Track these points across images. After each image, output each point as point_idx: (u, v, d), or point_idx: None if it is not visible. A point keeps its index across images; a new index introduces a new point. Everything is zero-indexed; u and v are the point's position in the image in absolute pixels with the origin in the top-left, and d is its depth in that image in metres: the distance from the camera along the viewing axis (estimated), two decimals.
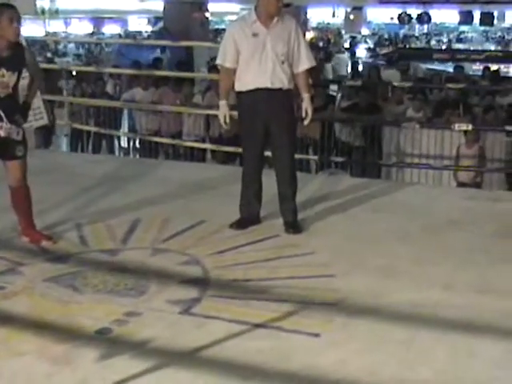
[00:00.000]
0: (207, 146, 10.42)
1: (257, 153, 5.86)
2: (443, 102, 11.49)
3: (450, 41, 29.85)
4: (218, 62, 5.93)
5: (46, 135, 11.83)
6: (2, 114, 5.27)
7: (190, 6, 22.94)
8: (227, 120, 5.80)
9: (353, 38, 30.27)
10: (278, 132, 5.76)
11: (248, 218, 5.94)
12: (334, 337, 4.07)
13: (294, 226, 5.83)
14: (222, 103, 5.82)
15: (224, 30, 32.49)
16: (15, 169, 5.43)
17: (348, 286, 4.72)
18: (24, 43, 8.25)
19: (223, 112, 5.80)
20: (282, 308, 4.36)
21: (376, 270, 5.03)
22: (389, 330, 4.15)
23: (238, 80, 5.76)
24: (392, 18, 32.42)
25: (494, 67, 18.43)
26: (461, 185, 8.80)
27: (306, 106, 5.82)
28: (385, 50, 24.21)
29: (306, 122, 5.89)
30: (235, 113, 5.93)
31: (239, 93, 5.81)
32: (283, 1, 5.70)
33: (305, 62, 5.80)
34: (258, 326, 4.15)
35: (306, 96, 5.83)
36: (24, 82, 5.52)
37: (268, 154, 6.01)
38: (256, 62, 5.67)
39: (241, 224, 5.89)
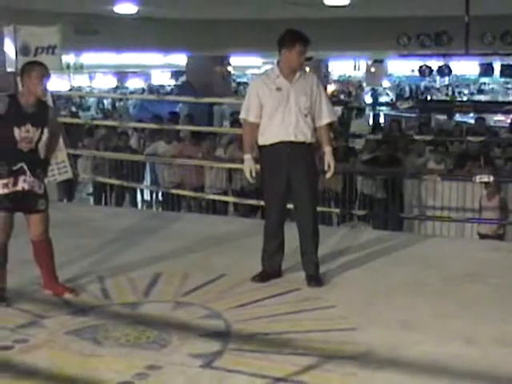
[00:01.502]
0: (229, 198, 10.48)
1: (279, 206, 5.87)
2: (464, 153, 11.50)
3: (471, 93, 29.94)
4: (241, 116, 5.96)
5: (69, 188, 11.98)
6: (26, 168, 5.34)
7: (212, 60, 23.22)
8: (253, 174, 5.83)
9: (374, 90, 30.43)
10: (300, 185, 5.78)
11: (270, 272, 5.95)
12: None
13: (316, 280, 5.83)
14: (247, 157, 5.84)
15: (246, 83, 32.82)
16: (37, 222, 5.49)
17: (368, 340, 4.70)
18: (50, 98, 8.45)
19: (249, 166, 5.83)
20: (303, 362, 4.35)
21: (396, 323, 5.00)
22: None
23: (262, 134, 5.81)
24: (413, 71, 32.59)
25: None
26: (483, 237, 8.77)
27: (329, 159, 5.85)
28: (405, 105, 24.26)
29: (328, 175, 5.91)
30: (258, 166, 5.97)
31: (262, 146, 5.85)
32: (305, 56, 5.79)
33: (326, 116, 5.87)
34: (279, 379, 4.13)
35: (328, 149, 5.87)
36: (44, 138, 5.59)
37: (290, 206, 6.03)
38: (280, 115, 5.73)
39: (263, 277, 5.90)
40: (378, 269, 6.30)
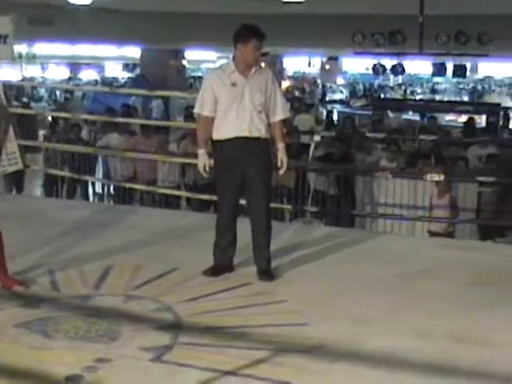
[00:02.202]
0: (182, 193, 10.45)
1: (232, 201, 5.88)
2: (416, 152, 11.62)
3: (424, 92, 30.25)
4: (195, 110, 5.94)
5: (19, 180, 11.83)
6: None
7: (166, 54, 23.12)
8: (207, 168, 5.82)
9: (323, 86, 30.60)
10: (254, 181, 5.79)
11: (222, 266, 5.94)
12: None
13: (267, 274, 5.84)
14: (202, 152, 5.83)
15: (200, 77, 32.72)
16: None
17: (320, 334, 4.72)
18: (0, 86, 8.34)
19: (203, 161, 5.81)
20: (254, 355, 4.35)
21: (349, 318, 5.03)
22: (362, 378, 4.16)
23: (217, 129, 5.79)
24: (367, 69, 32.82)
25: (464, 118, 18.70)
26: (433, 235, 8.86)
27: (282, 155, 5.86)
28: (359, 103, 24.42)
29: (281, 172, 5.93)
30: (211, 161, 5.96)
31: (217, 141, 5.84)
32: (260, 52, 5.76)
33: (280, 112, 5.88)
34: (229, 373, 4.14)
35: (281, 146, 5.89)
36: None
37: (243, 202, 6.04)
38: (234, 111, 5.72)
39: (214, 271, 5.89)
40: (330, 264, 6.34)
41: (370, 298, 5.45)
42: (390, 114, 20.70)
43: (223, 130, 5.77)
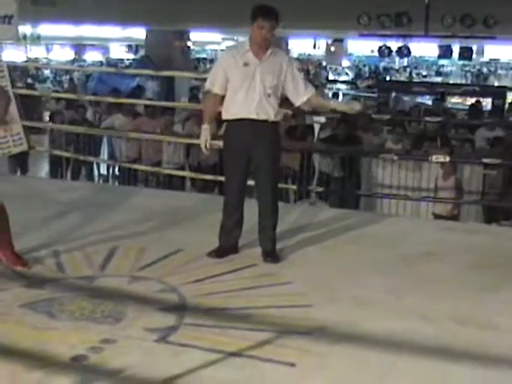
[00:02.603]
0: (186, 173, 10.44)
1: (239, 182, 5.85)
2: (422, 134, 11.60)
3: (429, 75, 30.15)
4: (206, 87, 5.89)
5: (23, 161, 11.83)
6: None
7: (171, 35, 23.05)
8: (207, 145, 5.77)
9: (326, 68, 30.53)
10: (261, 163, 5.77)
11: (226, 247, 5.94)
12: (310, 366, 4.07)
13: (272, 256, 5.85)
14: (205, 127, 5.80)
15: (205, 59, 32.64)
16: None
17: (324, 316, 4.73)
18: (5, 67, 8.33)
19: (205, 136, 5.77)
20: (259, 337, 4.36)
21: (352, 300, 5.04)
22: (365, 359, 4.17)
23: (226, 109, 5.78)
24: (372, 51, 32.69)
25: (472, 101, 18.64)
26: (438, 217, 8.86)
27: (336, 104, 6.35)
28: (365, 83, 24.38)
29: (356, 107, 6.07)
30: (215, 142, 5.95)
31: (226, 121, 5.83)
32: (273, 34, 5.66)
33: (304, 92, 5.83)
34: (233, 354, 4.15)
35: (330, 102, 6.42)
36: None
37: (250, 183, 6.02)
38: (243, 91, 5.67)
39: (219, 253, 5.89)
40: (334, 246, 6.34)
41: (374, 281, 5.46)
42: (405, 98, 20.64)
43: (231, 111, 5.74)
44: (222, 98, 5.78)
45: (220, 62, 5.84)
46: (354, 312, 4.85)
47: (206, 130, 5.78)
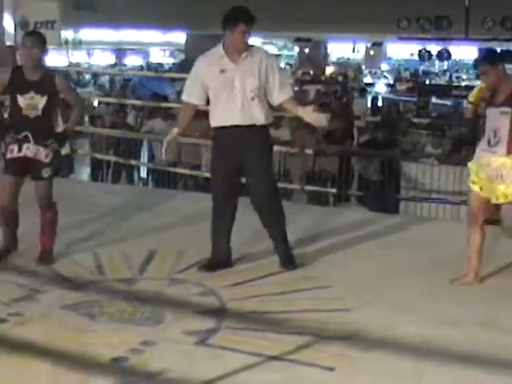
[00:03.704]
0: None
1: (223, 190, 5.64)
2: (461, 138, 11.50)
3: (469, 78, 29.93)
4: (183, 98, 5.72)
5: (67, 164, 11.94)
6: (30, 136, 5.52)
7: (211, 39, 23.10)
8: (166, 145, 5.65)
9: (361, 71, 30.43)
10: (251, 171, 5.56)
11: (218, 261, 5.74)
12: (348, 371, 4.07)
13: (289, 263, 5.72)
14: (174, 130, 5.68)
15: None
16: (39, 190, 5.67)
17: (362, 320, 4.72)
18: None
19: (169, 137, 5.66)
20: (297, 341, 4.37)
21: (389, 304, 5.03)
22: (401, 365, 4.15)
23: (210, 116, 5.59)
24: (412, 54, 32.50)
25: None
26: None
27: (303, 112, 5.61)
28: (404, 86, 24.25)
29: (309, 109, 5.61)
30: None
31: (214, 128, 5.62)
32: (250, 36, 5.45)
33: (279, 95, 5.54)
34: (272, 358, 4.16)
35: (299, 109, 5.62)
36: (52, 106, 5.69)
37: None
38: (224, 99, 5.45)
39: (210, 266, 5.69)
40: (372, 250, 6.31)
41: (411, 285, 5.42)
42: (445, 102, 20.51)
43: (216, 118, 5.55)
44: (197, 107, 5.69)
45: (195, 72, 5.60)
46: (391, 317, 4.82)
47: (173, 132, 5.66)
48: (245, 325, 4.63)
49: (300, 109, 5.62)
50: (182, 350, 4.28)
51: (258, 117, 5.48)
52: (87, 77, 26.43)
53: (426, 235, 6.91)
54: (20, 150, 5.58)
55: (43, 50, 5.59)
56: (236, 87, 5.41)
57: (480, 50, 22.83)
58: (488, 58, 5.42)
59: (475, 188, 5.37)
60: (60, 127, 5.77)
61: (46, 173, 5.61)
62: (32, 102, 5.51)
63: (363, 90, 21.55)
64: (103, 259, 5.86)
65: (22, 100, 5.52)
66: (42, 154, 5.56)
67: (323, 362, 4.12)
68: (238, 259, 5.87)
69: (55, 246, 5.86)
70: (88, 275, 5.52)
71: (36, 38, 5.66)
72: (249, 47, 5.48)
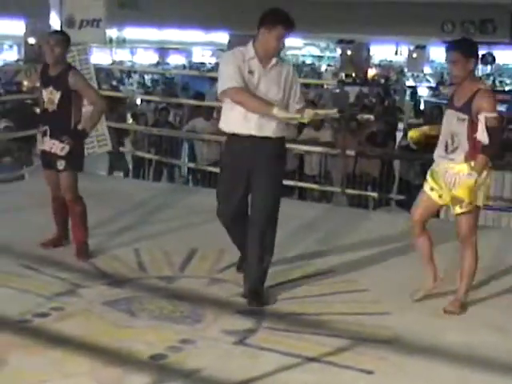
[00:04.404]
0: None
1: (231, 203, 5.15)
2: (505, 143, 11.37)
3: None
4: (228, 86, 4.88)
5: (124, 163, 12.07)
6: (48, 130, 5.73)
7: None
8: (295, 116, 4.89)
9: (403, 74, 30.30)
10: (255, 187, 5.05)
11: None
12: (387, 375, 4.06)
13: (254, 295, 5.06)
14: (275, 110, 4.76)
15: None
16: (61, 182, 5.80)
17: (401, 325, 4.71)
18: (92, 70, 8.53)
19: (286, 114, 4.83)
20: (336, 343, 4.37)
21: (429, 309, 5.00)
22: (440, 371, 4.13)
23: (225, 120, 5.06)
24: None
25: None
26: None
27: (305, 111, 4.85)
28: (447, 90, 24.06)
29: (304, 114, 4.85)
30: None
31: (226, 133, 5.11)
32: (284, 43, 5.01)
33: (294, 105, 5.05)
34: (311, 359, 4.16)
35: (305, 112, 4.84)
36: (88, 109, 5.83)
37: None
38: None
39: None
40: (412, 255, 6.23)
41: (451, 291, 5.37)
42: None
43: (231, 124, 5.02)
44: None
45: (232, 60, 4.95)
46: (430, 322, 4.81)
47: (278, 112, 4.77)
48: (283, 326, 4.63)
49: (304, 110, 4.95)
50: (220, 349, 4.29)
51: (276, 129, 4.97)
52: (136, 76, 26.66)
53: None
54: (42, 143, 5.83)
55: (65, 48, 5.81)
56: (260, 92, 4.92)
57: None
58: (462, 46, 4.82)
59: (434, 195, 5.04)
60: (81, 124, 5.84)
61: (60, 165, 5.73)
62: (51, 97, 5.73)
63: (414, 94, 21.45)
64: (144, 256, 5.90)
65: (44, 94, 5.79)
66: (58, 148, 5.70)
67: (362, 365, 4.11)
68: (277, 261, 5.87)
69: (95, 241, 5.93)
70: (129, 271, 5.56)
71: (59, 36, 5.87)
72: (279, 55, 5.09)
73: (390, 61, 33.35)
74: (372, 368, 4.09)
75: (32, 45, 18.93)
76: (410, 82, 29.60)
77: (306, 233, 6.66)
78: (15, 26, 21.78)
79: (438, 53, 30.18)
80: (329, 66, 33.96)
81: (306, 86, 18.77)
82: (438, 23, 20.53)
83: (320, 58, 36.59)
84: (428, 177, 5.11)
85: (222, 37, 26.16)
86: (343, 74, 27.21)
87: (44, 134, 5.76)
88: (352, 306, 5.00)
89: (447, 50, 4.84)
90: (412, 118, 13.35)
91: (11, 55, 27.73)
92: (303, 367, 4.10)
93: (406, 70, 30.84)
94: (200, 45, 31.73)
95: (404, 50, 30.73)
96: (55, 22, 8.99)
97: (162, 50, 31.39)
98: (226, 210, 5.19)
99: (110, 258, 5.80)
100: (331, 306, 4.98)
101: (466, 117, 4.73)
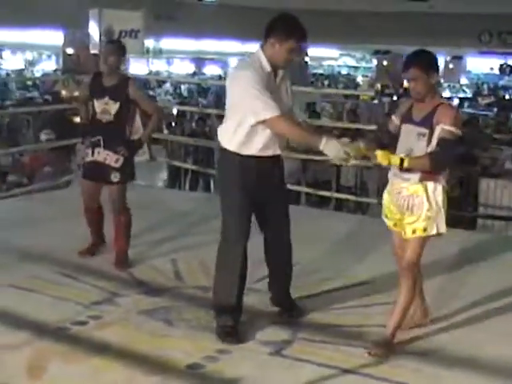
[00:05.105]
0: (302, 188, 10.47)
1: (247, 233, 4.73)
2: None
3: None
4: (270, 115, 4.36)
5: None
6: (102, 141, 5.72)
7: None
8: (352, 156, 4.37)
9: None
10: (273, 210, 4.81)
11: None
12: None
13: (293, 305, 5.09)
14: (324, 141, 4.29)
15: (322, 74, 32.69)
16: (110, 193, 5.85)
17: (438, 337, 4.68)
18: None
19: (337, 144, 4.31)
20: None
21: (468, 322, 4.97)
22: None
23: (246, 142, 4.52)
24: (492, 69, 32.04)
25: None
26: None
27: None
28: (486, 100, 23.93)
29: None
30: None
31: (240, 155, 4.57)
32: (296, 55, 4.64)
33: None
34: (347, 371, 4.16)
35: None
36: (125, 112, 5.82)
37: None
38: None
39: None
40: (450, 266, 6.21)
41: (489, 304, 5.32)
42: None
43: (256, 145, 4.53)
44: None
45: (258, 82, 4.38)
46: (469, 335, 4.77)
47: (329, 140, 4.33)
48: (320, 337, 4.62)
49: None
50: (256, 359, 4.31)
51: (281, 145, 4.68)
52: (166, 85, 26.80)
53: (505, 254, 6.77)
54: (93, 153, 5.78)
55: (120, 57, 5.79)
56: (283, 109, 4.50)
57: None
58: (421, 62, 4.36)
59: (389, 223, 4.61)
60: (136, 134, 5.87)
61: (115, 177, 5.75)
62: (106, 107, 5.70)
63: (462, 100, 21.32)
64: (181, 265, 5.93)
65: (97, 105, 5.74)
66: (112, 159, 5.72)
67: (399, 378, 4.10)
68: (312, 271, 5.87)
69: (133, 251, 5.97)
70: (166, 281, 5.59)
71: (115, 46, 5.92)
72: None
73: None
74: (408, 380, 4.08)
75: (70, 55, 19.10)
76: (446, 93, 29.44)
77: (341, 244, 6.64)
78: (53, 36, 22.00)
79: (474, 63, 30.03)
80: (365, 76, 33.88)
81: (343, 96, 18.77)
82: (475, 34, 20.45)
83: (356, 68, 36.52)
84: (383, 203, 4.65)
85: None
86: (379, 85, 27.13)
87: (96, 144, 5.73)
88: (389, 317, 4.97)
89: (405, 66, 4.38)
90: None
91: (49, 65, 28.01)
92: (339, 379, 4.10)
93: (442, 80, 30.68)
94: (236, 55, 31.80)
95: (440, 60, 30.64)
96: (94, 32, 9.10)
97: (199, 60, 31.52)
98: (244, 239, 4.72)
99: (146, 268, 5.85)
100: (368, 317, 4.96)
101: (426, 132, 4.27)
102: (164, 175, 13.14)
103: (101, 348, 4.37)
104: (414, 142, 4.34)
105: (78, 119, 7.79)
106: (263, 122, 4.42)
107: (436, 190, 4.36)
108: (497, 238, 8.16)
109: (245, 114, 4.45)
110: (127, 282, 5.54)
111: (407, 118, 4.43)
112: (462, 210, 9.69)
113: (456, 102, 26.35)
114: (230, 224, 4.72)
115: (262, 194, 4.67)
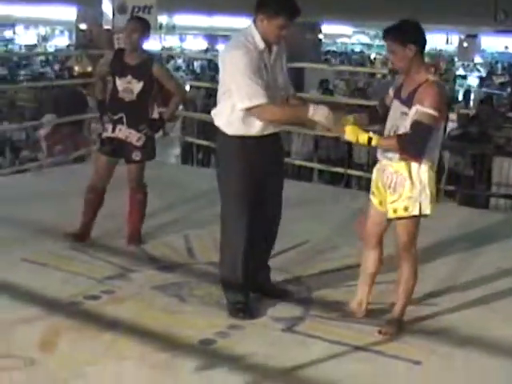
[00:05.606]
0: (315, 165, 10.46)
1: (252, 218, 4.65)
2: None
3: None
4: (254, 103, 4.29)
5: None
6: (125, 119, 5.66)
7: (302, 28, 23.08)
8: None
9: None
10: (272, 186, 4.74)
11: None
12: (435, 366, 4.06)
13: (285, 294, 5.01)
14: (311, 110, 4.26)
15: (335, 52, 32.53)
16: (130, 171, 5.83)
17: (451, 317, 4.68)
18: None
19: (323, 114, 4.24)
20: None
21: (480, 303, 4.95)
22: (488, 366, 4.10)
23: (249, 122, 4.43)
24: (507, 47, 31.84)
25: None
26: None
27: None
28: (501, 79, 23.77)
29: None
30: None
31: (245, 137, 4.50)
32: (287, 30, 4.46)
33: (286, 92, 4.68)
34: (359, 348, 4.17)
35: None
36: (147, 91, 5.77)
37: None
38: (271, 99, 4.38)
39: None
40: (463, 247, 6.18)
41: (502, 284, 5.32)
42: None
43: (253, 126, 4.45)
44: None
45: (249, 64, 4.27)
46: (482, 316, 4.75)
47: (317, 109, 4.27)
48: (331, 314, 4.63)
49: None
50: (268, 335, 4.32)
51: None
52: (179, 61, 26.78)
53: None
54: (114, 130, 5.72)
55: (143, 35, 5.67)
56: (278, 86, 4.51)
57: None
58: (397, 34, 4.21)
59: (375, 201, 4.46)
60: (155, 113, 5.86)
61: (136, 156, 5.73)
62: (128, 86, 5.64)
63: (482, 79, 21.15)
64: (193, 242, 5.94)
65: (119, 83, 5.66)
66: (134, 137, 5.69)
67: (410, 356, 4.11)
68: (325, 249, 5.87)
69: (145, 227, 5.97)
70: (178, 257, 5.61)
71: (138, 23, 5.77)
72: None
73: (440, 50, 33.01)
74: (420, 359, 4.09)
75: (83, 30, 19.07)
76: (460, 72, 29.26)
77: (351, 221, 6.62)
78: (66, 12, 22.00)
79: (488, 42, 29.82)
80: (378, 54, 33.72)
81: (356, 73, 18.69)
82: (490, 12, 20.20)
83: (369, 46, 36.37)
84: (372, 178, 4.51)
85: None
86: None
87: (118, 122, 5.68)
88: None
89: (383, 39, 4.27)
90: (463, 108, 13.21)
91: (62, 41, 28.04)
92: (351, 356, 4.11)
93: (456, 59, 30.47)
94: None
95: (455, 38, 30.40)
96: (107, 8, 9.06)
97: (211, 36, 31.44)
98: (246, 217, 4.63)
99: (159, 244, 5.86)
100: (379, 295, 4.92)
101: (407, 111, 4.13)
102: (176, 151, 13.14)
103: (113, 323, 4.39)
104: (398, 119, 4.20)
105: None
106: (249, 109, 4.33)
107: (420, 169, 4.19)
108: (509, 217, 8.11)
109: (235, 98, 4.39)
110: (140, 258, 5.55)
111: (397, 94, 4.30)
112: (474, 188, 9.66)
113: (475, 81, 26.27)
114: (229, 203, 4.78)
115: (263, 172, 4.58)
